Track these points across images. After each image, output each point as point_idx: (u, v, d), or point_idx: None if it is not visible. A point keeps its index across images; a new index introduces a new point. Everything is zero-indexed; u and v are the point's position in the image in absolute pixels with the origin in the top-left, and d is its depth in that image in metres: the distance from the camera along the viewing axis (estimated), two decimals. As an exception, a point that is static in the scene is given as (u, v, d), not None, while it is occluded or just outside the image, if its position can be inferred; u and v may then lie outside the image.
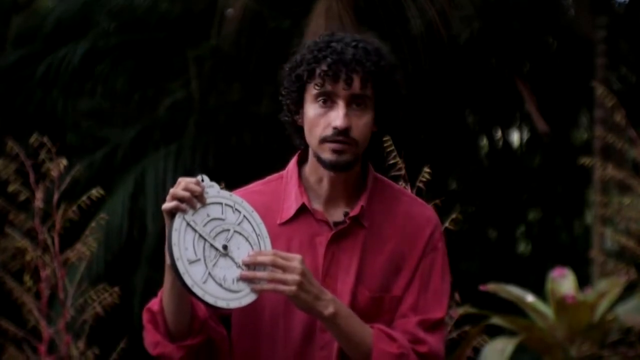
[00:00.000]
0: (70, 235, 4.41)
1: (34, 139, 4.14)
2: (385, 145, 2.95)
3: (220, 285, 2.05)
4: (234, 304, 2.06)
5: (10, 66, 9.09)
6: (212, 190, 2.10)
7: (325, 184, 2.22)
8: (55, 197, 4.27)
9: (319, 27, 6.84)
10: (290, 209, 2.22)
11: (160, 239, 2.09)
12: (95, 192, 4.24)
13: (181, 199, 2.05)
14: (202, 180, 2.10)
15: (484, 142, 11.16)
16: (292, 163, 2.28)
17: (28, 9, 10.00)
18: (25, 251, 4.28)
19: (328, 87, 2.15)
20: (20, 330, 4.36)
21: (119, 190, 8.29)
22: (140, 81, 9.62)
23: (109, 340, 4.51)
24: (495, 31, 8.83)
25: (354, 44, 2.17)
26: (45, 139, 4.15)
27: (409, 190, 2.96)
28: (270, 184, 2.29)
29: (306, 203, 2.21)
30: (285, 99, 2.23)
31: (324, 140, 2.15)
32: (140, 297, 8.21)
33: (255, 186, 2.30)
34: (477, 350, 4.38)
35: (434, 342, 2.18)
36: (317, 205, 2.23)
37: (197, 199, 2.07)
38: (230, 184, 2.34)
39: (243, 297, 2.07)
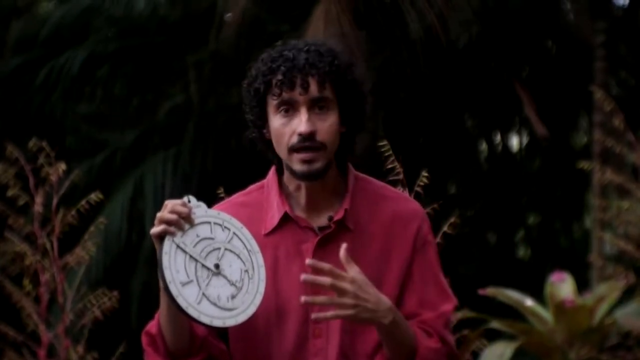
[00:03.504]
0: (70, 239, 4.41)
1: (32, 143, 4.15)
2: (383, 149, 2.95)
3: (215, 304, 2.05)
4: (230, 322, 2.06)
5: (10, 72, 9.09)
6: (200, 210, 2.10)
7: (303, 192, 2.21)
8: (55, 201, 4.28)
9: (317, 30, 6.84)
10: (274, 218, 2.21)
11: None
12: (94, 196, 4.25)
13: (169, 222, 2.05)
14: (189, 201, 2.09)
15: (483, 146, 11.15)
16: (271, 172, 2.27)
17: (28, 13, 9.99)
18: (24, 255, 4.28)
19: (286, 96, 2.14)
20: (20, 334, 4.35)
21: (118, 195, 8.29)
22: (140, 85, 9.62)
23: (108, 344, 4.51)
24: (494, 35, 8.82)
25: (306, 48, 2.17)
26: (44, 143, 4.16)
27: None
28: (251, 194, 2.28)
29: (288, 211, 2.20)
30: (249, 115, 2.23)
31: (292, 150, 2.14)
32: (139, 302, 8.22)
33: (237, 197, 2.29)
34: (476, 354, 4.36)
35: (452, 339, 2.24)
36: (299, 212, 2.22)
37: (185, 221, 2.06)
38: (230, 188, 2.34)
39: (239, 315, 2.07)
